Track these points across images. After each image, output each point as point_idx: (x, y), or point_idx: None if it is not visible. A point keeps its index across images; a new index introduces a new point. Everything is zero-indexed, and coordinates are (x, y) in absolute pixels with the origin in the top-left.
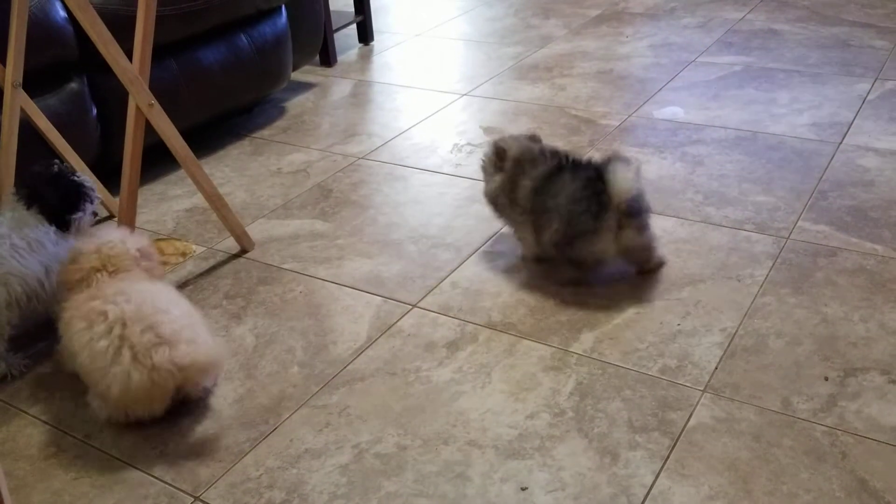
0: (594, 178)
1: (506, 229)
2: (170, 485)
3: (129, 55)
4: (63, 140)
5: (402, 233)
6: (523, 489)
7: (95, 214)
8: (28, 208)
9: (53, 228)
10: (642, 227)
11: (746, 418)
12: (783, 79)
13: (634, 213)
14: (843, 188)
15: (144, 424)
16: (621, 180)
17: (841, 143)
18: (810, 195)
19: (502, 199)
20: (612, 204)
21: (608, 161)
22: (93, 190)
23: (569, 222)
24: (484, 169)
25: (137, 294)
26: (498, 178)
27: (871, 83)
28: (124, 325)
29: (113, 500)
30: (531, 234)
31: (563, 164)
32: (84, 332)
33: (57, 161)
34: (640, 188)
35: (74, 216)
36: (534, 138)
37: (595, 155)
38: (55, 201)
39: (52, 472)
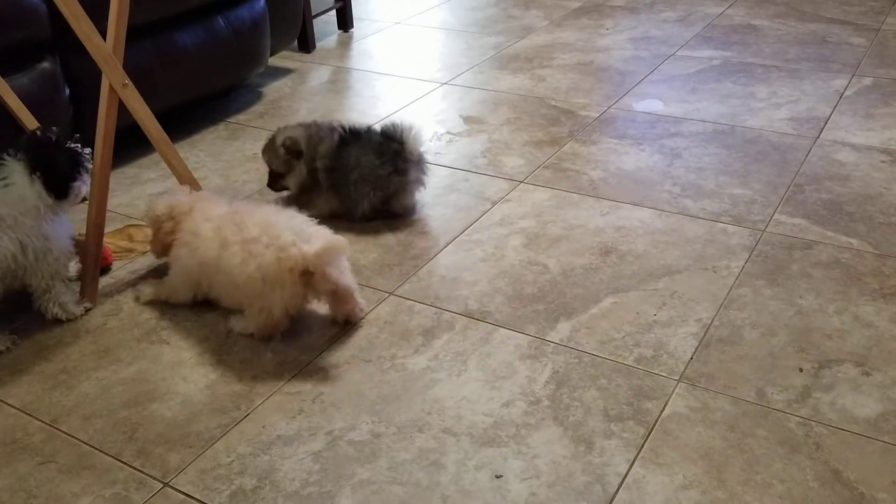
0: (384, 142)
1: (483, 220)
2: (139, 470)
3: (104, 35)
4: (34, 119)
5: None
6: (498, 477)
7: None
8: (31, 175)
9: (46, 201)
10: (426, 171)
11: (721, 408)
12: (761, 73)
13: (424, 161)
14: (819, 182)
15: (115, 409)
16: (417, 139)
17: (818, 137)
18: (787, 188)
19: (308, 184)
20: (413, 160)
21: (396, 126)
22: (88, 157)
23: (380, 186)
24: (282, 165)
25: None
26: (303, 168)
27: (848, 79)
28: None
29: (80, 485)
30: (335, 203)
31: (344, 136)
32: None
33: (54, 128)
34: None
35: (74, 184)
36: (303, 126)
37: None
38: (58, 170)
39: (17, 457)
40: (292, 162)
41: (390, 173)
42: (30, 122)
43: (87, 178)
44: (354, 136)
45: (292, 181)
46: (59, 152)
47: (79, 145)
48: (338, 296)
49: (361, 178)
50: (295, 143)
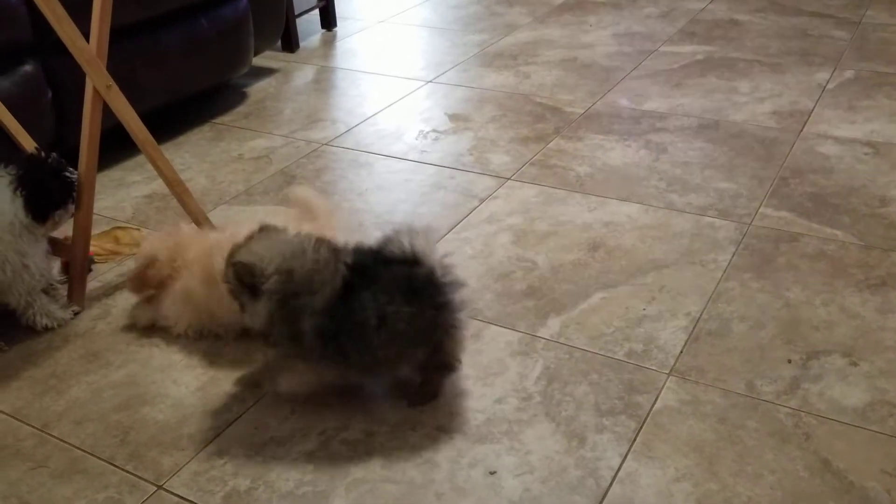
0: (406, 273)
1: (471, 218)
2: (131, 474)
3: (87, 36)
4: (17, 123)
5: (366, 219)
6: (491, 473)
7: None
8: (13, 192)
9: (23, 221)
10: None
11: (711, 401)
12: (744, 68)
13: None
14: (803, 175)
15: (106, 413)
16: (429, 246)
17: (801, 131)
18: (772, 182)
19: (282, 330)
20: (445, 279)
21: (404, 241)
22: (76, 184)
23: (430, 333)
24: (233, 295)
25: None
26: (261, 308)
27: (830, 72)
28: None
29: (72, 490)
30: (330, 375)
31: (348, 278)
32: None
33: (54, 153)
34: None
35: (57, 212)
36: (268, 230)
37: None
38: (45, 194)
39: (8, 463)
40: (243, 297)
41: (433, 317)
42: (12, 125)
43: (70, 207)
44: (362, 274)
45: (251, 317)
46: (51, 177)
47: (74, 175)
48: None
49: (395, 338)
50: (250, 272)
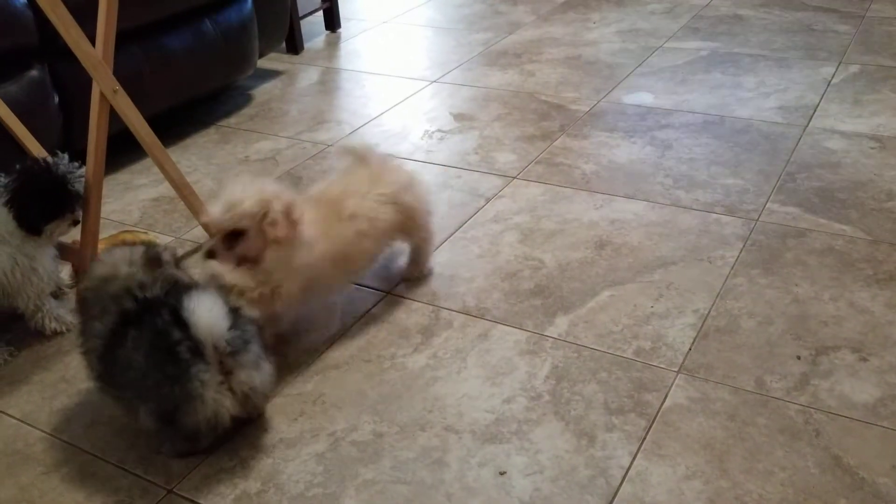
0: (168, 325)
1: (478, 217)
2: (142, 477)
3: (93, 41)
4: (24, 128)
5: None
6: (501, 473)
7: (76, 222)
8: (4, 205)
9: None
10: (256, 363)
11: (721, 398)
12: (749, 63)
13: (238, 349)
14: (810, 170)
15: (116, 416)
16: (206, 315)
17: (807, 125)
18: (778, 177)
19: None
20: (206, 352)
21: (184, 295)
22: (79, 195)
23: (158, 397)
24: None
25: None
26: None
27: (835, 67)
28: None
29: (84, 494)
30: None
31: (129, 315)
32: None
33: (46, 159)
34: (228, 319)
35: (49, 225)
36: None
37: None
38: (35, 208)
39: (19, 467)
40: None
41: (160, 381)
42: (19, 130)
43: (69, 217)
44: (142, 311)
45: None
46: (44, 191)
47: (78, 182)
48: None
49: (132, 382)
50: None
